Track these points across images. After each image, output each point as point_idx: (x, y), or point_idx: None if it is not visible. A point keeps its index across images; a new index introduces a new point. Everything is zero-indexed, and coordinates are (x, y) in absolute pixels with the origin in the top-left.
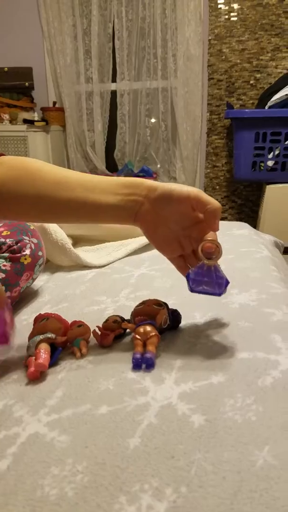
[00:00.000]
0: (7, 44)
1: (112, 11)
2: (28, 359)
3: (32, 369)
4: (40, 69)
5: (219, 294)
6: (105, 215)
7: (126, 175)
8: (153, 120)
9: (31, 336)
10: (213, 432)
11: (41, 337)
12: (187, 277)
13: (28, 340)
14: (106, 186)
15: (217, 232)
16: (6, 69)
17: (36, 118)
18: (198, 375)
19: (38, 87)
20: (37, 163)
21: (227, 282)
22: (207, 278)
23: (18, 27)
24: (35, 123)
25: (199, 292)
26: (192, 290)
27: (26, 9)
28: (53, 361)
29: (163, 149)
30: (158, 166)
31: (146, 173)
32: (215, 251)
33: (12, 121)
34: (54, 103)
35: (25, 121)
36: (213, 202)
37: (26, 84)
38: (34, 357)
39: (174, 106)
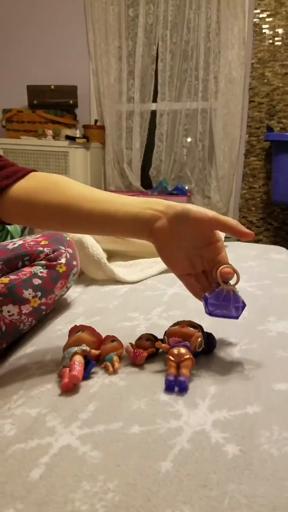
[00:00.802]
0: (55, 63)
1: (157, 34)
2: (62, 370)
3: (66, 380)
4: (84, 88)
5: (236, 317)
6: (123, 228)
7: (160, 193)
8: (189, 139)
9: (66, 347)
10: (248, 463)
11: (76, 349)
12: (205, 300)
13: (63, 351)
14: (127, 200)
15: (253, 255)
16: (52, 87)
17: (77, 135)
18: (233, 404)
19: (81, 105)
20: (65, 178)
21: (244, 305)
22: (224, 302)
23: (66, 48)
24: (77, 140)
25: (217, 315)
26: (209, 314)
27: (75, 31)
28: (86, 374)
29: (199, 169)
30: (193, 185)
31: (180, 191)
32: (234, 276)
33: (55, 137)
34: (96, 121)
35: (67, 137)
36: (231, 219)
37: (71, 102)
38: (68, 368)
39: (213, 127)
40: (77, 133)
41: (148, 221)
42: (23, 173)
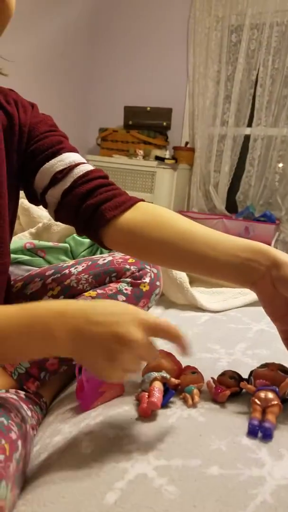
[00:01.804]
0: (153, 85)
1: (258, 59)
2: (141, 394)
3: (145, 405)
4: (179, 111)
5: None
6: (222, 274)
7: (245, 218)
8: (281, 165)
9: (145, 371)
10: None
11: (156, 374)
12: None
13: (142, 374)
14: (228, 245)
15: None
16: (148, 108)
17: (167, 156)
18: None
19: (174, 127)
20: (168, 213)
21: None
22: None
23: (164, 70)
24: (166, 161)
25: None
26: None
27: (175, 54)
28: (165, 403)
29: None
30: (283, 213)
31: (268, 219)
32: None
33: (145, 157)
34: (187, 143)
35: (157, 157)
36: None
37: (164, 123)
38: (147, 394)
39: None
40: (167, 154)
41: (249, 276)
42: (130, 203)
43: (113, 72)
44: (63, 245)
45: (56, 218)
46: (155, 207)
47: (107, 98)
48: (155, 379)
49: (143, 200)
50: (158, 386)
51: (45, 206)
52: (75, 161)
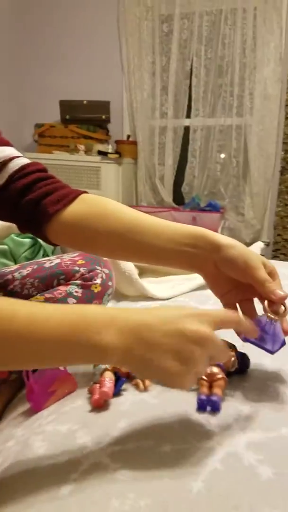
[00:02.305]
0: (89, 79)
1: (191, 49)
2: (93, 386)
3: (96, 396)
4: (117, 103)
5: (272, 352)
6: (168, 262)
7: (192, 209)
8: (223, 155)
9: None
10: (283, 487)
11: (106, 365)
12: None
13: (93, 367)
14: (172, 233)
15: None
16: (85, 102)
17: (110, 150)
18: (267, 425)
19: (114, 120)
20: (113, 204)
21: (283, 343)
22: (264, 332)
23: (99, 63)
24: (109, 155)
25: (252, 343)
26: (244, 340)
27: (108, 46)
28: (117, 391)
29: (233, 185)
30: (226, 201)
31: (213, 208)
32: (283, 309)
33: (87, 152)
34: (128, 136)
35: (100, 152)
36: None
37: (103, 117)
38: (98, 385)
39: (248, 143)
40: (109, 148)
41: (194, 260)
42: (73, 196)
43: (47, 66)
44: (1, 247)
45: None
46: (100, 199)
47: (42, 93)
48: (105, 370)
49: (86, 192)
50: (109, 376)
51: None
52: (10, 155)
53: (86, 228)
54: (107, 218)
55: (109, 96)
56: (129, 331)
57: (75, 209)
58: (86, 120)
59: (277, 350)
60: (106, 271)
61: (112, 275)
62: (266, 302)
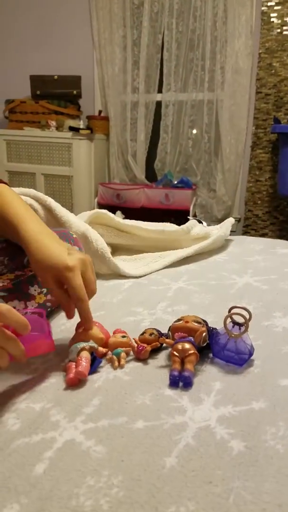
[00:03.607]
0: (59, 53)
1: (162, 23)
2: (68, 364)
3: (71, 375)
4: (88, 78)
5: (240, 366)
6: None
7: (164, 185)
8: (194, 131)
9: (72, 342)
10: (253, 460)
11: (84, 344)
12: (211, 342)
13: (70, 346)
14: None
15: (259, 249)
16: (56, 77)
17: (81, 126)
18: (238, 400)
19: (85, 95)
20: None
21: (250, 355)
22: (228, 349)
23: (69, 37)
24: (80, 131)
25: (221, 359)
26: (214, 355)
27: (78, 19)
28: (92, 371)
29: (204, 161)
30: (198, 177)
31: (185, 184)
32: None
33: (59, 128)
34: (100, 112)
35: (71, 128)
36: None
37: (74, 92)
38: (74, 364)
39: (219, 118)
40: (81, 124)
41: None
42: None
43: (15, 41)
44: None
45: None
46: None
47: (11, 68)
48: (82, 349)
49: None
50: (85, 355)
51: None
52: None
53: None
54: None
55: (80, 71)
56: None
57: None
58: (57, 95)
59: (245, 362)
60: (76, 248)
61: (82, 252)
62: (227, 319)
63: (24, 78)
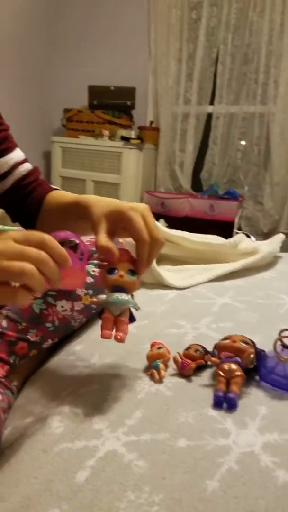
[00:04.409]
0: (117, 64)
1: (218, 37)
2: (106, 314)
3: (108, 333)
4: (142, 89)
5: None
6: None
7: (210, 196)
8: (243, 142)
9: (103, 282)
10: None
11: (129, 305)
12: (258, 365)
13: (99, 283)
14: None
15: None
16: (112, 88)
17: (132, 136)
18: (285, 427)
19: (138, 106)
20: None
21: None
22: (278, 372)
23: (127, 49)
24: (131, 141)
25: (268, 383)
26: (261, 379)
27: (136, 31)
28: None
29: (253, 173)
30: (246, 189)
31: (231, 196)
32: None
33: (111, 137)
34: (151, 122)
35: (122, 138)
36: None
37: (128, 103)
38: (113, 318)
39: (270, 131)
40: (132, 134)
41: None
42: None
43: (76, 52)
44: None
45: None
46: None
47: (71, 79)
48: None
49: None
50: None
51: None
52: (14, 162)
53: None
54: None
55: (134, 82)
56: None
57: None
58: (112, 105)
59: None
60: None
61: None
62: (277, 342)
63: (82, 88)
